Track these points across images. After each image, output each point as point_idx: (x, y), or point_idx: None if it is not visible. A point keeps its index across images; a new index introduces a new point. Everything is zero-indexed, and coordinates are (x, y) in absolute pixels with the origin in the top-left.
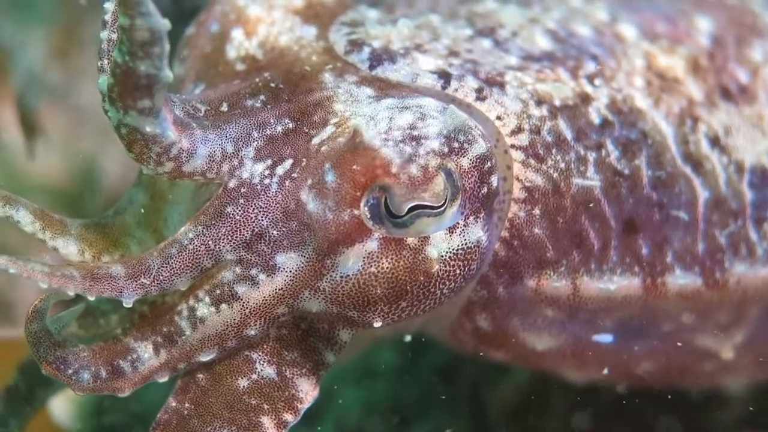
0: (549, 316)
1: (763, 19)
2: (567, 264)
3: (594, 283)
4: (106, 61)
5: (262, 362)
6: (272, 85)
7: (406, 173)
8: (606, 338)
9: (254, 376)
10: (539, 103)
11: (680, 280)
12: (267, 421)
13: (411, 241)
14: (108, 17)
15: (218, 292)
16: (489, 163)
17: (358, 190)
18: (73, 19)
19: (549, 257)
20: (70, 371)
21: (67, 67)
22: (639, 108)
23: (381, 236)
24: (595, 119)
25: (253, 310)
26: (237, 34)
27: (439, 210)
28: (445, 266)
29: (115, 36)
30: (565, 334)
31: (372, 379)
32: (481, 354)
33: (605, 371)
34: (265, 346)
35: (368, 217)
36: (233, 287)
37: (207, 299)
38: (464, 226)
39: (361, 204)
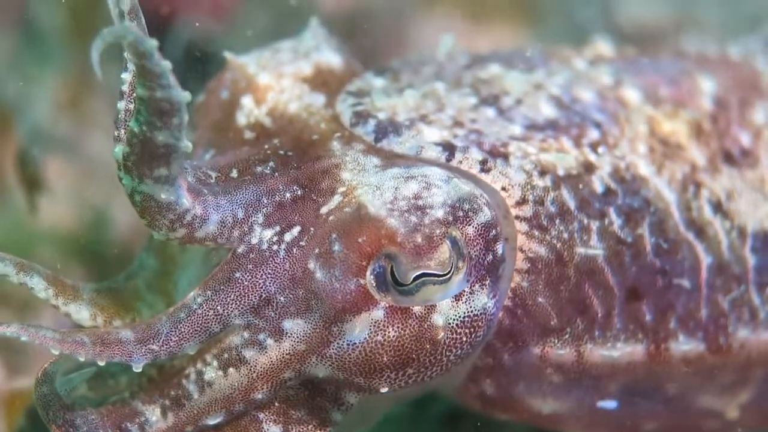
0: (554, 382)
1: (766, 78)
2: (571, 331)
3: (598, 350)
4: (123, 131)
5: (268, 422)
6: (281, 152)
7: (412, 242)
8: (610, 404)
9: None
10: (543, 173)
11: (684, 346)
12: None
13: (417, 309)
14: (126, 88)
15: (226, 356)
16: (494, 231)
17: (364, 260)
18: (83, 69)
19: (553, 325)
20: None
21: (77, 118)
22: (642, 175)
23: (387, 305)
24: (598, 188)
25: (261, 375)
26: (247, 101)
27: (444, 278)
28: (452, 334)
29: (132, 106)
30: (570, 399)
31: (378, 427)
32: (487, 414)
33: None
34: (271, 406)
35: (374, 285)
36: (241, 352)
37: (215, 363)
38: (470, 293)
39: (367, 273)
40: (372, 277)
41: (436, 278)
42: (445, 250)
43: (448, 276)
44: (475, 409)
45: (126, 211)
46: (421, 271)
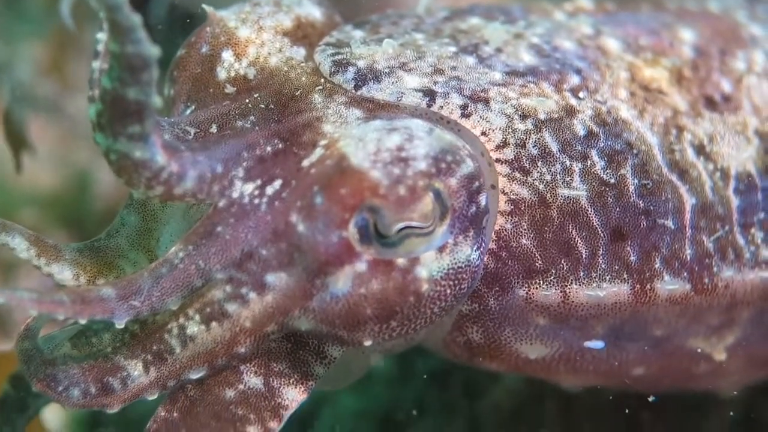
0: (540, 325)
1: (747, 29)
2: (556, 272)
3: (583, 290)
4: (97, 91)
5: (249, 373)
6: (262, 105)
7: (395, 194)
8: (597, 344)
9: (241, 387)
10: (524, 117)
11: (669, 285)
12: (253, 431)
13: (400, 261)
14: (101, 47)
15: (208, 310)
16: (477, 183)
17: (346, 212)
18: (66, 30)
19: (538, 266)
20: (60, 388)
21: (61, 79)
22: (624, 119)
23: (370, 257)
24: (580, 131)
25: (243, 328)
26: (227, 55)
27: (428, 230)
28: (436, 286)
29: (106, 66)
30: (557, 342)
31: (366, 385)
32: (475, 365)
33: (599, 380)
34: (253, 359)
35: (357, 238)
36: (223, 305)
37: (197, 317)
38: (454, 245)
39: (350, 225)
40: (355, 229)
41: (419, 230)
42: (428, 202)
43: (431, 228)
44: (461, 361)
45: (109, 172)
46: (404, 224)
